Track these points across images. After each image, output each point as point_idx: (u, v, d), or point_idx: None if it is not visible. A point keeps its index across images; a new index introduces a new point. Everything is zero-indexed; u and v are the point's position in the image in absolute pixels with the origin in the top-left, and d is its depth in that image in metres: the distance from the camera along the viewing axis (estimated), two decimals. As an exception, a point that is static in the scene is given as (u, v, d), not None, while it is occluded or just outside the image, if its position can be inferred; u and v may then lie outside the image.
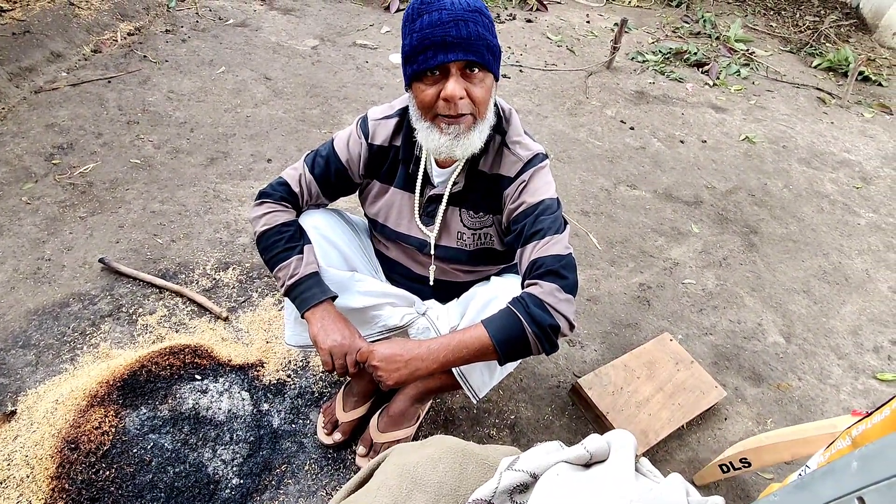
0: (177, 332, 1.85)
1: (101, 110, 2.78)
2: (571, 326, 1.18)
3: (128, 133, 2.67)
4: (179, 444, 1.45)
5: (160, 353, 1.65)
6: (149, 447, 1.43)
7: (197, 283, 2.02)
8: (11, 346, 1.74)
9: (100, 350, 1.76)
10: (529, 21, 4.53)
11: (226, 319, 1.90)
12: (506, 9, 4.68)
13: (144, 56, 3.23)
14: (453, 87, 1.09)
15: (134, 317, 1.88)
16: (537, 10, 4.73)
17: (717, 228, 2.69)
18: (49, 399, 1.51)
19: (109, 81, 2.98)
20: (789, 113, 3.75)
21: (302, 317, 1.30)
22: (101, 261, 2.00)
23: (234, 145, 2.69)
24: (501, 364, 1.21)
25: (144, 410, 1.47)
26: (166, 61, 3.22)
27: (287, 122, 2.90)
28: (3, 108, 2.69)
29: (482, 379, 1.36)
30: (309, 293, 1.29)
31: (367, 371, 1.24)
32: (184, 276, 2.04)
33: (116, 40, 3.33)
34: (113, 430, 1.42)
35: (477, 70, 1.11)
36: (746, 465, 1.43)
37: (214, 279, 2.04)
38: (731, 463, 1.46)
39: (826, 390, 2.01)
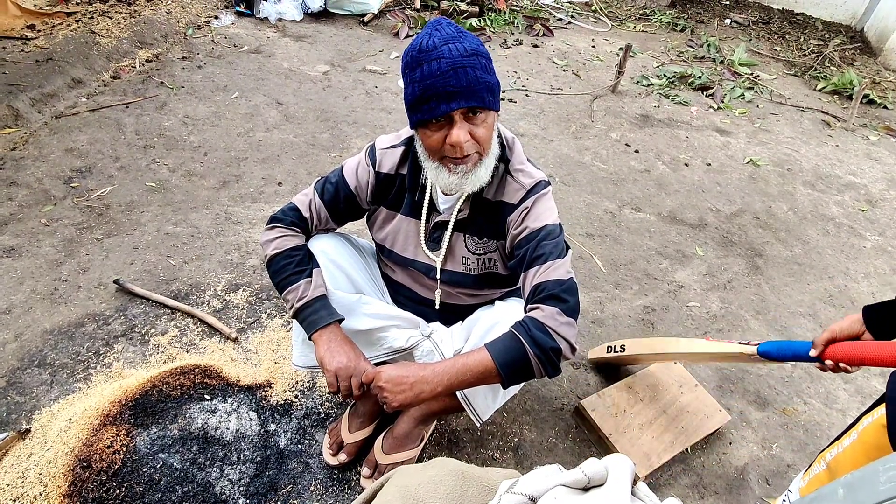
0: (187, 352, 1.89)
1: (119, 135, 2.87)
2: (573, 349, 1.21)
3: (144, 157, 2.75)
4: (188, 464, 1.48)
5: (171, 373, 1.69)
6: (158, 466, 1.46)
7: (208, 303, 2.07)
8: (28, 365, 1.79)
9: (113, 370, 1.80)
10: (536, 46, 4.63)
11: (235, 340, 1.94)
12: (512, 34, 4.79)
13: (161, 82, 3.33)
14: (458, 134, 1.14)
15: (146, 337, 1.92)
16: (543, 35, 4.82)
17: (721, 251, 2.71)
18: (63, 418, 1.55)
19: (127, 107, 3.08)
20: (794, 136, 3.78)
21: (309, 338, 1.34)
22: (115, 282, 2.06)
23: (245, 169, 2.76)
24: (505, 387, 1.24)
25: (155, 430, 1.51)
26: (182, 87, 3.32)
27: (298, 146, 2.97)
28: (26, 134, 2.79)
29: (486, 402, 1.39)
30: (316, 316, 1.33)
31: (372, 393, 1.27)
32: (195, 296, 2.09)
33: (135, 67, 3.45)
34: (124, 449, 1.46)
35: (479, 112, 1.16)
36: (622, 349, 1.85)
37: (225, 300, 2.09)
38: (614, 346, 1.89)
39: (832, 415, 2.00)
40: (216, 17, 4.16)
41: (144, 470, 1.44)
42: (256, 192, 2.61)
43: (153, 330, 1.95)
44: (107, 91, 3.21)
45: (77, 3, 3.86)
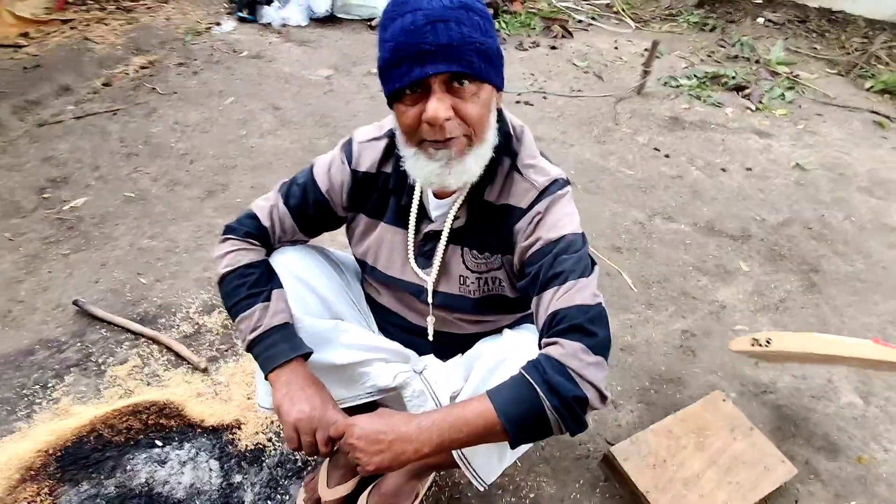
0: (148, 384, 1.63)
1: (102, 143, 2.67)
2: (603, 398, 0.91)
3: (126, 165, 2.54)
4: (126, 530, 1.21)
5: (119, 412, 1.43)
6: (88, 533, 1.19)
7: (177, 327, 1.81)
8: (-36, 399, 1.55)
9: (60, 406, 1.55)
10: (554, 48, 4.35)
11: (204, 371, 1.68)
12: (528, 36, 4.53)
13: (153, 88, 3.14)
14: (435, 107, 0.86)
15: (103, 367, 1.67)
16: (562, 37, 4.55)
17: (769, 266, 2.36)
18: (-15, 468, 1.29)
19: (115, 114, 2.89)
20: (843, 137, 3.41)
21: (266, 378, 1.06)
22: (74, 303, 1.82)
23: (234, 177, 2.53)
24: (513, 447, 0.94)
25: (86, 487, 1.24)
26: (175, 93, 3.13)
27: (293, 153, 2.73)
28: (4, 142, 2.60)
29: (489, 462, 1.09)
30: (274, 350, 1.05)
31: (343, 451, 0.99)
32: (164, 319, 1.83)
33: (128, 73, 3.27)
34: (47, 511, 1.19)
35: (467, 82, 0.88)
36: (768, 343, 1.57)
37: (197, 324, 1.83)
38: (759, 339, 1.60)
39: (921, 466, 1.64)
40: (217, 24, 3.99)
41: (69, 539, 1.17)
42: (244, 203, 2.37)
43: (111, 359, 1.69)
44: (96, 98, 3.02)
45: (74, 11, 3.73)
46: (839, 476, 1.60)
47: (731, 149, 3.20)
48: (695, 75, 4.02)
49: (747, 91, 3.83)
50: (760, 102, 3.72)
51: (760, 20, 5.18)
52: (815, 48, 4.71)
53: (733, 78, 3.95)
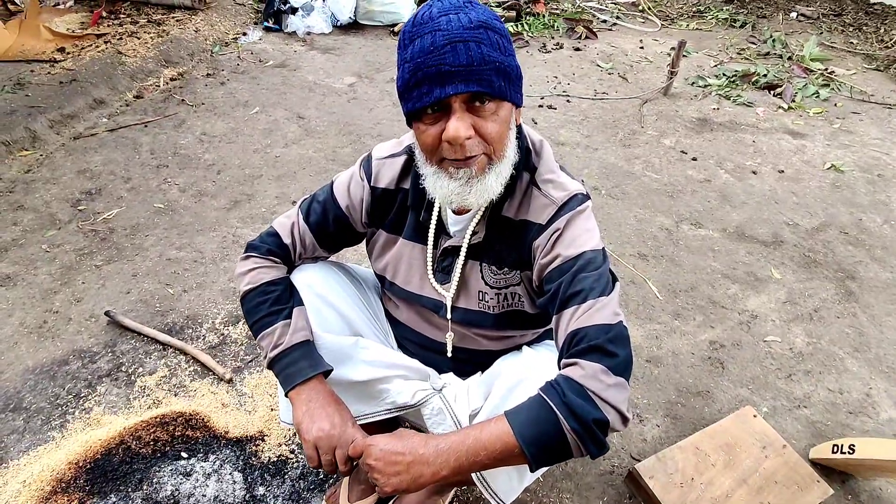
0: (175, 395, 1.67)
1: (134, 154, 2.74)
2: (625, 420, 0.89)
3: (156, 177, 2.60)
4: (153, 541, 1.24)
5: (147, 424, 1.46)
6: (117, 544, 1.22)
7: (204, 338, 1.84)
8: (3, 409, 1.61)
9: (92, 416, 1.59)
10: (578, 49, 4.30)
11: (229, 381, 1.71)
12: (552, 38, 4.48)
13: (182, 100, 3.22)
14: (456, 126, 0.86)
15: (133, 377, 1.71)
16: (586, 37, 4.49)
17: (803, 273, 2.28)
18: (20, 479, 1.34)
19: (146, 126, 2.97)
20: (882, 137, 3.27)
21: (286, 395, 1.07)
22: (106, 314, 1.87)
23: (259, 187, 2.56)
24: (533, 470, 0.92)
25: (113, 499, 1.27)
26: (202, 104, 3.19)
27: (317, 162, 2.76)
28: (41, 156, 2.70)
29: (509, 483, 1.07)
30: (294, 368, 1.06)
31: (362, 469, 0.99)
32: (191, 330, 1.87)
33: (159, 85, 3.36)
34: (78, 522, 1.22)
35: (487, 101, 0.87)
36: (851, 451, 1.46)
37: (223, 334, 1.86)
38: (841, 445, 1.49)
39: (968, 487, 1.55)
40: (244, 34, 4.07)
41: (99, 549, 1.20)
42: (268, 212, 2.40)
43: (141, 369, 1.74)
44: (128, 111, 3.11)
45: (108, 25, 3.84)
46: (879, 497, 1.53)
47: (762, 150, 3.11)
48: (724, 74, 3.92)
49: (779, 89, 3.72)
50: (793, 101, 3.60)
51: (793, 15, 5.02)
52: (851, 43, 4.54)
53: (764, 76, 3.84)
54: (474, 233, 1.07)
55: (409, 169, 1.11)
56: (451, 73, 0.82)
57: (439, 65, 0.82)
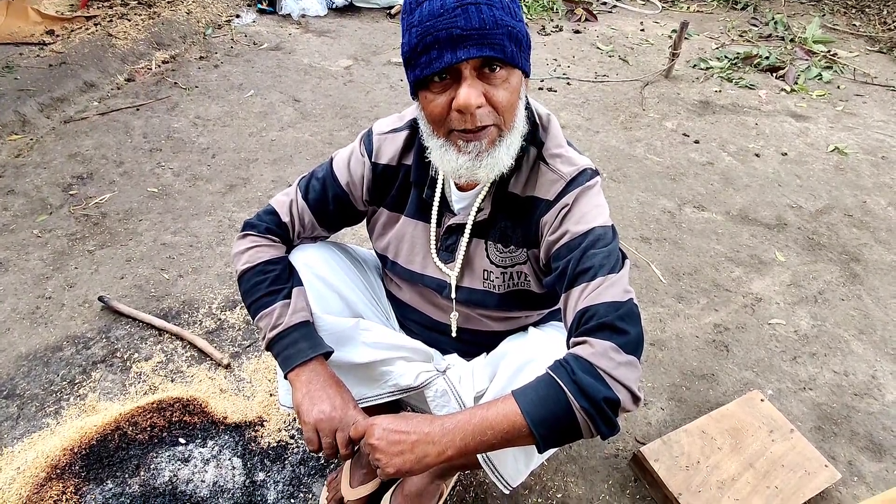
0: (172, 381, 1.63)
1: (126, 138, 2.69)
2: (636, 399, 0.86)
3: (149, 161, 2.55)
4: (151, 528, 1.21)
5: (143, 409, 1.43)
6: (114, 531, 1.19)
7: (200, 323, 1.81)
8: (-5, 396, 1.57)
9: (87, 402, 1.56)
10: (577, 32, 4.24)
11: (227, 367, 1.67)
12: (551, 20, 4.41)
13: (175, 83, 3.15)
14: (467, 93, 0.81)
15: (128, 363, 1.67)
16: (586, 20, 4.43)
17: (807, 256, 2.26)
18: (14, 466, 1.30)
19: (138, 109, 2.91)
20: (885, 119, 3.24)
21: (285, 377, 1.04)
22: (100, 299, 1.83)
23: (255, 171, 2.51)
24: (541, 451, 0.89)
25: (110, 486, 1.24)
26: (196, 87, 3.13)
27: (313, 145, 2.71)
28: (32, 140, 2.64)
29: (515, 466, 1.05)
30: (294, 349, 1.03)
31: (364, 452, 0.96)
32: (187, 315, 1.83)
33: (150, 69, 3.29)
34: (73, 509, 1.20)
35: (498, 68, 0.83)
36: None
37: (220, 319, 1.82)
38: None
39: (975, 469, 1.54)
40: (237, 16, 3.98)
41: (95, 536, 1.17)
42: (264, 196, 2.36)
43: (136, 355, 1.70)
44: (119, 94, 3.05)
45: (98, 7, 3.76)
46: (885, 479, 1.52)
47: (765, 133, 3.07)
48: (726, 56, 3.87)
49: (782, 72, 3.67)
50: (796, 83, 3.56)
51: (795, -3, 4.96)
52: (854, 25, 4.49)
53: (767, 58, 3.79)
54: (479, 210, 1.03)
55: (411, 144, 1.07)
56: (463, 36, 0.78)
57: (450, 28, 0.78)
